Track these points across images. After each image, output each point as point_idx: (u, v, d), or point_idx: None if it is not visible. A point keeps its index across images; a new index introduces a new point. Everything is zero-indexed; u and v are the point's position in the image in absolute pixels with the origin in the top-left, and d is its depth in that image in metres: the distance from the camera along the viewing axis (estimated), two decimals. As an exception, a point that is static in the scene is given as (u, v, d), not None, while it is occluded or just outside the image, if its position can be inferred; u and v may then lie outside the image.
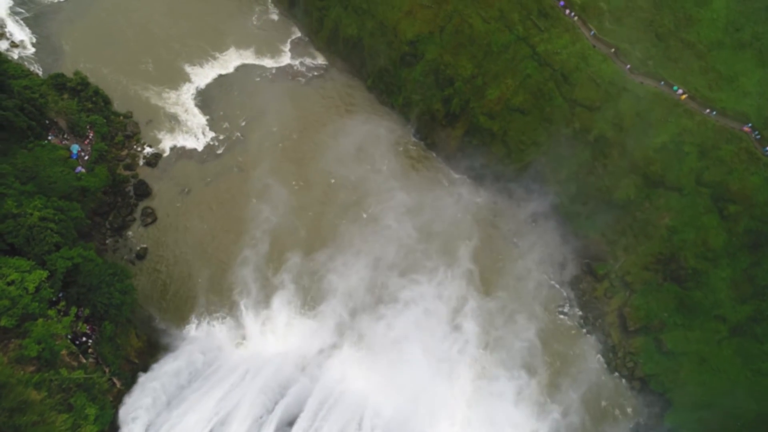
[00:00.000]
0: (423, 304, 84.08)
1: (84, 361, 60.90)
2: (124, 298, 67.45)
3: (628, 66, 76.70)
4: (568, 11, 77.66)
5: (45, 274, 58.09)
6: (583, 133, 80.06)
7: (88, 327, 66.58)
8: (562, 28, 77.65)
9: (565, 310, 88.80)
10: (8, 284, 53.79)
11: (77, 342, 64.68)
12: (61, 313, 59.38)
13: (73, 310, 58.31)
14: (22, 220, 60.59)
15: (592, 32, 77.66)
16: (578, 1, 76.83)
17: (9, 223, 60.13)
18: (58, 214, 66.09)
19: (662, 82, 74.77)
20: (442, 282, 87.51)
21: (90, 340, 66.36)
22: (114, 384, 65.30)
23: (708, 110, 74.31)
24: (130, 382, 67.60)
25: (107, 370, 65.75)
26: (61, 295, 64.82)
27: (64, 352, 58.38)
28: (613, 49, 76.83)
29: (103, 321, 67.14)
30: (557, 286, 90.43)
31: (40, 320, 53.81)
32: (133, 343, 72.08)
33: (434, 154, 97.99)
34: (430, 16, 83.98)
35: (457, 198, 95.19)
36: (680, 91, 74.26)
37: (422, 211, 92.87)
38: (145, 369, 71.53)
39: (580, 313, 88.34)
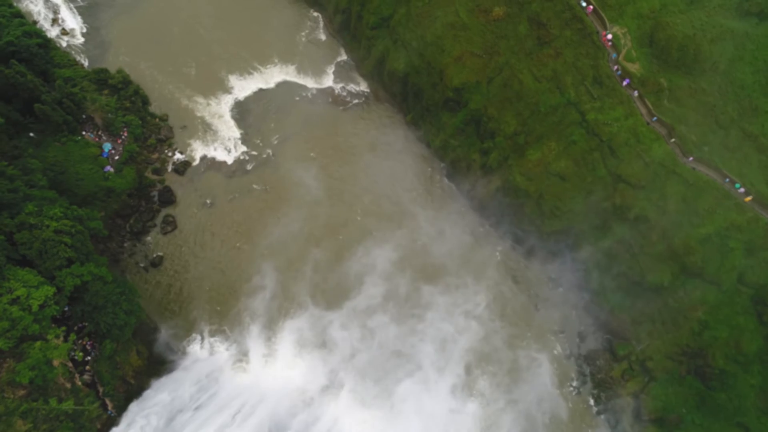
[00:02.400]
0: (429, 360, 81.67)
1: (78, 383, 59.95)
2: (128, 319, 66.57)
3: (673, 140, 72.26)
4: (625, 83, 73.60)
5: (52, 290, 57.51)
6: (623, 210, 75.99)
7: (89, 343, 65.86)
8: (617, 100, 73.70)
9: (578, 384, 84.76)
10: (12, 302, 53.08)
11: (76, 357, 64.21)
12: (60, 338, 58.45)
13: (72, 336, 57.29)
14: (37, 232, 59.97)
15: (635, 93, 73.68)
16: (637, 73, 72.73)
17: (24, 234, 59.58)
18: (75, 225, 65.36)
19: (727, 179, 70.44)
20: (450, 341, 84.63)
21: (89, 357, 65.57)
22: (105, 405, 64.34)
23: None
24: (122, 405, 66.67)
25: (101, 389, 64.89)
26: (66, 309, 64.16)
27: (58, 368, 57.47)
28: (656, 119, 72.53)
29: (105, 339, 66.25)
30: (573, 357, 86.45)
31: (39, 343, 53.12)
32: (132, 362, 71.13)
33: (466, 201, 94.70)
34: (479, 65, 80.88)
35: (482, 249, 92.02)
36: (743, 190, 69.52)
37: (442, 258, 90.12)
38: (141, 391, 70.86)
39: (593, 390, 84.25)
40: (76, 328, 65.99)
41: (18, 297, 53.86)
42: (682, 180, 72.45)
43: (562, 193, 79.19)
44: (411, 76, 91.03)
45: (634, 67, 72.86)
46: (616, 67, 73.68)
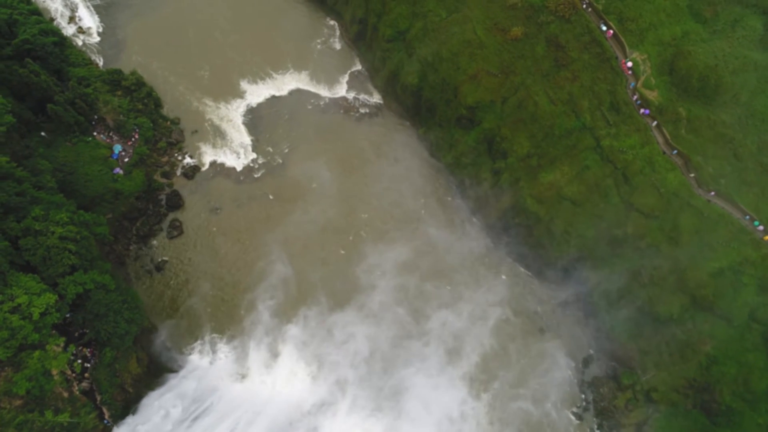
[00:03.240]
0: (431, 380, 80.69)
1: (76, 392, 59.56)
2: (129, 328, 66.21)
3: (693, 175, 70.81)
4: (642, 110, 72.24)
5: (54, 298, 57.21)
6: (634, 239, 74.64)
7: (88, 350, 65.55)
8: (633, 127, 72.37)
9: (580, 411, 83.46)
10: (13, 310, 52.71)
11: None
12: (60, 346, 58.10)
13: (71, 348, 56.87)
14: (42, 239, 59.70)
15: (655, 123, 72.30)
16: (656, 101, 71.36)
17: (29, 240, 59.33)
18: (81, 231, 65.07)
19: (747, 216, 68.80)
20: (455, 360, 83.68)
21: (88, 365, 65.24)
22: (102, 414, 63.95)
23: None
24: (119, 414, 66.30)
25: (99, 398, 64.53)
26: (68, 315, 63.86)
27: (56, 375, 57.14)
28: (677, 152, 71.07)
29: (105, 347, 65.87)
30: (576, 382, 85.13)
31: (37, 353, 52.70)
32: (131, 369, 70.78)
33: (474, 219, 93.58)
34: (494, 84, 79.80)
35: (488, 268, 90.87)
36: (761, 227, 68.03)
37: (447, 275, 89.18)
38: (139, 399, 70.48)
39: (596, 418, 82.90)
40: (76, 334, 65.78)
41: (19, 305, 53.53)
42: (696, 212, 71.01)
43: (573, 218, 77.91)
44: (425, 90, 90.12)
45: (652, 95, 71.48)
46: (635, 96, 72.20)
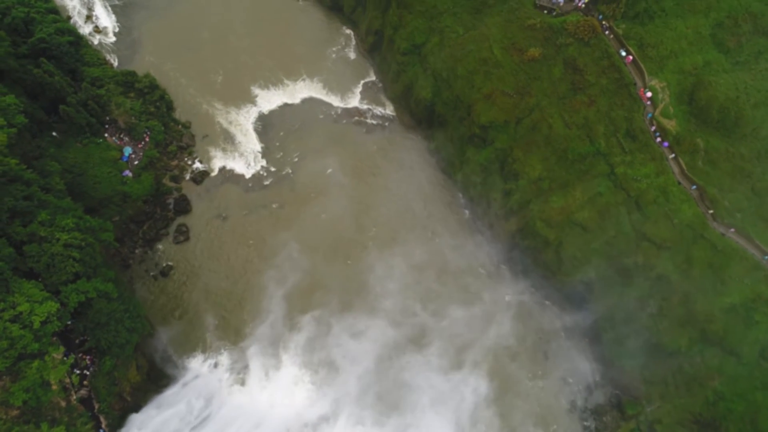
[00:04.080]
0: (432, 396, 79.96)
1: (73, 401, 59.27)
2: (129, 337, 65.90)
3: (711, 212, 69.29)
4: (659, 139, 70.87)
5: (56, 306, 56.90)
6: (645, 269, 73.22)
7: (88, 358, 65.30)
8: (649, 155, 71.01)
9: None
10: (13, 319, 52.41)
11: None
12: (60, 353, 57.85)
13: (71, 359, 56.52)
14: (47, 246, 59.43)
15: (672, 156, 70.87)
16: (673, 131, 69.95)
17: (33, 247, 59.09)
18: (86, 237, 64.69)
19: (766, 257, 67.35)
20: (457, 378, 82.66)
21: (87, 372, 64.98)
22: (99, 423, 63.66)
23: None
24: (116, 423, 66.00)
25: (97, 406, 64.25)
26: (69, 322, 63.58)
27: (54, 385, 56.86)
28: (696, 188, 69.60)
29: (105, 355, 65.56)
30: (578, 409, 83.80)
31: (36, 363, 52.39)
32: (130, 377, 70.48)
33: (482, 238, 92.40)
34: (509, 104, 78.66)
35: (493, 288, 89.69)
36: (779, 267, 66.70)
37: (452, 293, 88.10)
38: (137, 408, 70.20)
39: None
40: (77, 341, 65.56)
41: (20, 313, 53.22)
42: (710, 245, 69.54)
43: (583, 244, 76.63)
44: (438, 106, 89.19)
45: (670, 124, 70.09)
46: (654, 128, 70.74)
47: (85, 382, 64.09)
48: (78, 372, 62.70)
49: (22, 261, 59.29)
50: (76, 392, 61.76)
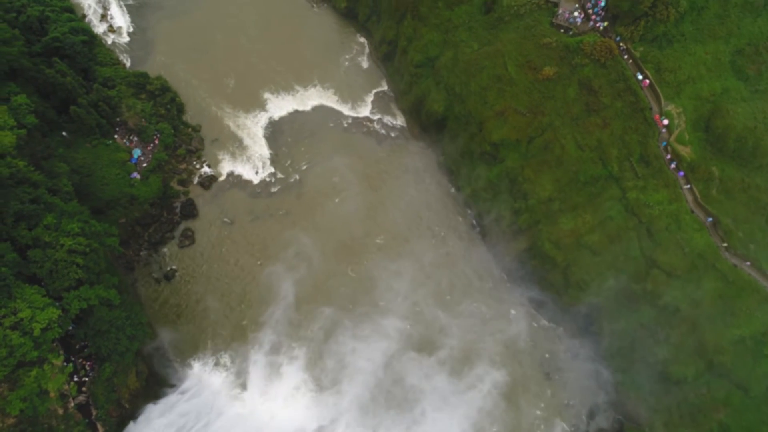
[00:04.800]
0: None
1: (71, 408, 59.02)
2: (130, 345, 65.58)
3: (726, 245, 68.00)
4: (673, 165, 69.62)
5: (57, 313, 56.64)
6: (653, 296, 72.01)
7: (88, 363, 65.08)
8: (662, 182, 69.76)
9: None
10: (14, 326, 52.13)
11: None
12: (60, 359, 57.63)
13: (69, 368, 56.23)
14: (51, 252, 59.17)
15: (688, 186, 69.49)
16: (688, 158, 68.68)
17: (37, 253, 58.87)
18: (91, 243, 64.36)
19: None
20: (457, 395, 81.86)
21: (86, 378, 64.75)
22: (96, 431, 63.36)
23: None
24: (113, 430, 65.64)
25: (95, 413, 64.00)
26: (70, 327, 63.36)
27: (52, 394, 56.58)
28: (711, 220, 68.28)
29: (105, 362, 65.28)
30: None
31: (35, 372, 52.06)
32: (129, 384, 70.15)
33: (489, 253, 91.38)
34: (521, 123, 77.66)
35: (497, 306, 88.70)
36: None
37: (456, 307, 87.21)
38: (134, 415, 69.89)
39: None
40: (77, 347, 65.38)
41: (21, 319, 52.92)
42: (721, 276, 68.22)
43: (591, 267, 75.52)
44: (449, 120, 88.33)
45: (685, 150, 68.85)
46: (669, 156, 69.50)
47: (83, 389, 63.88)
48: (77, 378, 62.49)
49: (25, 266, 59.06)
50: (74, 399, 61.49)
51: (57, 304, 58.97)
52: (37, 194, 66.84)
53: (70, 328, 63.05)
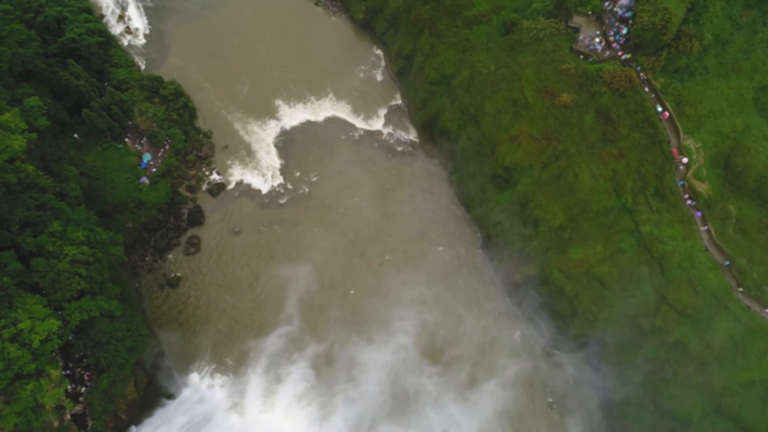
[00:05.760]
0: None
1: (66, 421, 58.57)
2: (129, 357, 65.07)
3: (740, 288, 66.29)
4: (689, 201, 68.02)
5: (57, 325, 56.23)
6: (662, 333, 70.43)
7: (86, 373, 64.64)
8: (677, 217, 68.18)
9: (579, 498, 79.50)
10: (13, 337, 51.71)
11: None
12: (59, 369, 57.22)
13: (66, 383, 55.78)
14: (54, 262, 58.79)
15: (705, 228, 67.71)
16: (705, 194, 67.07)
17: (40, 262, 58.50)
18: (95, 252, 63.91)
19: None
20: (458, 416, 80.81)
21: (84, 388, 64.35)
22: (92, 443, 62.96)
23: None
24: (109, 442, 65.29)
25: (90, 423, 63.61)
26: (70, 337, 62.96)
27: (48, 407, 56.12)
28: (727, 262, 66.61)
29: (103, 373, 64.83)
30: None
31: (31, 384, 51.65)
32: (127, 394, 69.75)
33: (496, 275, 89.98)
34: (535, 148, 76.36)
35: (501, 329, 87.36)
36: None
37: (460, 328, 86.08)
38: (131, 426, 69.47)
39: (595, 508, 78.89)
40: (77, 356, 64.98)
41: (21, 330, 52.50)
42: (733, 317, 66.47)
43: (600, 299, 74.03)
44: (462, 140, 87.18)
45: (702, 187, 67.24)
46: (686, 195, 67.97)
47: (80, 399, 63.47)
48: (73, 386, 62.04)
49: (27, 274, 58.69)
50: (69, 410, 61.08)
51: (58, 314, 58.58)
52: (44, 199, 66.59)
53: (71, 337, 62.59)
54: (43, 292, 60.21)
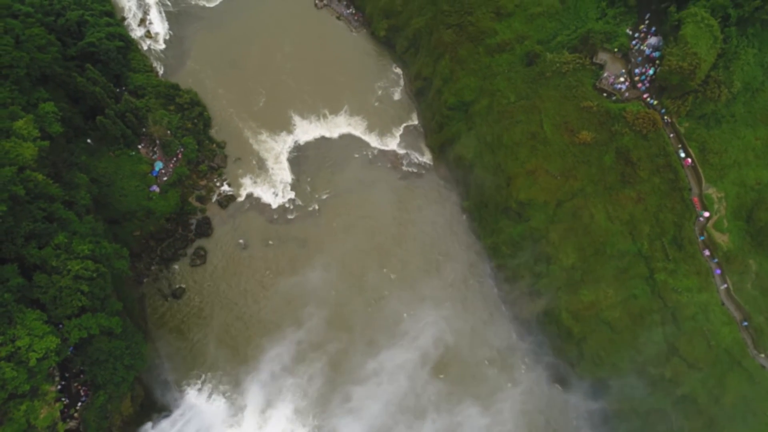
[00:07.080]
0: None
1: (59, 439, 57.98)
2: (126, 375, 64.51)
3: (756, 346, 64.19)
4: (707, 253, 65.93)
5: (56, 342, 55.75)
6: (671, 384, 68.47)
7: (83, 389, 64.07)
8: (693, 268, 66.13)
9: None
10: (9, 356, 51.16)
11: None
12: (55, 386, 56.68)
13: (59, 405, 55.18)
14: (56, 278, 58.24)
15: (725, 286, 65.56)
16: (724, 246, 64.98)
17: (42, 278, 58.00)
18: (99, 267, 63.27)
19: None
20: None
21: (80, 404, 63.76)
22: (84, 460, 62.33)
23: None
24: (101, 459, 64.66)
25: (84, 440, 62.90)
26: (71, 350, 62.40)
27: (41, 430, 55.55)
28: (745, 323, 64.46)
29: (100, 389, 64.20)
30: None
31: (24, 406, 51.02)
32: (123, 410, 69.04)
33: (503, 307, 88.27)
34: (552, 185, 74.63)
35: (506, 362, 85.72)
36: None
37: (463, 358, 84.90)
38: (125, 443, 68.98)
39: None
40: (74, 370, 64.40)
41: (18, 348, 51.94)
42: (747, 375, 64.43)
43: (609, 344, 72.20)
44: (477, 168, 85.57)
45: (722, 238, 65.15)
46: (706, 250, 66.01)
47: (75, 414, 62.87)
48: (67, 400, 61.45)
49: (29, 289, 58.18)
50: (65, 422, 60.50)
51: (58, 329, 58.02)
52: (52, 209, 66.22)
53: (71, 349, 62.03)
54: (44, 307, 59.60)
